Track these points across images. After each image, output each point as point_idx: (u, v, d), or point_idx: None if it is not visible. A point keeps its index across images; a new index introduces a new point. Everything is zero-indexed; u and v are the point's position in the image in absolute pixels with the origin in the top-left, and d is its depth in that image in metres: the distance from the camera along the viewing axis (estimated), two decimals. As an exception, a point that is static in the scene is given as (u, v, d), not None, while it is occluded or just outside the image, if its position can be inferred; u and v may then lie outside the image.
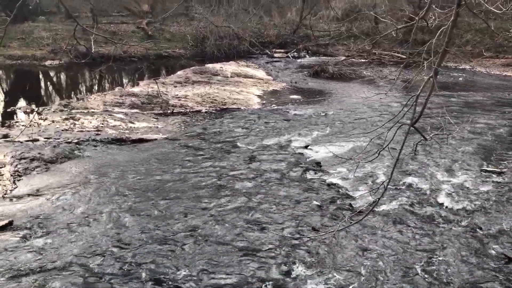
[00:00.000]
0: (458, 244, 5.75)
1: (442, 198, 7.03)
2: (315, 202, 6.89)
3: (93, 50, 4.94)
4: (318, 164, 8.45)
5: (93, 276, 4.99)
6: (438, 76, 3.82)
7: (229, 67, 20.23)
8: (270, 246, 5.62)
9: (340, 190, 7.39)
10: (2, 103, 14.17)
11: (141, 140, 9.85)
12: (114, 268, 5.13)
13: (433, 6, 4.22)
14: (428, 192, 7.28)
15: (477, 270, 5.20)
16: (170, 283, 4.90)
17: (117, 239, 5.73)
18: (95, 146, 9.39)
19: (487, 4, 3.86)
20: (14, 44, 22.43)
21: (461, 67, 20.71)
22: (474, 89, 16.32)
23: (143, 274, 5.04)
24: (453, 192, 7.28)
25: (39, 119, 11.13)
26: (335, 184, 7.62)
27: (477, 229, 6.10)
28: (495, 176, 7.94)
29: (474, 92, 15.65)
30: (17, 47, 22.19)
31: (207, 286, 4.88)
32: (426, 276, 5.08)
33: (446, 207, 6.77)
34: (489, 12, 4.05)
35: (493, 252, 5.58)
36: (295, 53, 25.17)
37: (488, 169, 8.20)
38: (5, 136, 9.54)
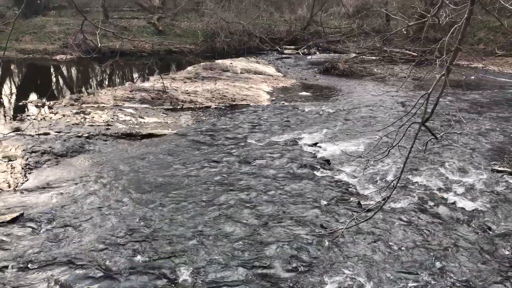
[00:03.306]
0: (467, 244, 5.70)
1: (452, 198, 6.98)
2: (323, 200, 6.87)
3: (99, 45, 4.94)
4: (327, 161, 8.43)
5: (103, 268, 5.03)
6: (450, 75, 3.78)
7: (239, 63, 20.21)
8: (278, 243, 5.62)
9: (349, 188, 7.37)
10: (14, 97, 14.32)
11: (151, 135, 9.90)
12: (124, 261, 5.17)
13: (446, 2, 4.16)
14: (437, 191, 7.23)
15: (487, 271, 5.16)
16: (179, 278, 4.93)
17: (126, 233, 5.77)
18: (105, 140, 9.45)
19: (501, 1, 3.80)
20: (26, 38, 22.63)
21: (473, 66, 20.47)
22: (486, 88, 16.14)
23: (153, 268, 5.07)
24: (463, 191, 7.22)
25: (50, 113, 11.22)
26: (344, 181, 7.59)
27: (487, 230, 6.05)
28: (506, 176, 7.85)
29: (486, 91, 15.48)
30: (29, 41, 22.38)
31: (212, 282, 4.89)
32: (434, 276, 5.04)
33: (456, 206, 6.71)
34: (502, 10, 4.00)
35: (504, 252, 5.53)
36: (305, 50, 25.07)
37: (500, 169, 8.11)
38: (17, 129, 9.65)
